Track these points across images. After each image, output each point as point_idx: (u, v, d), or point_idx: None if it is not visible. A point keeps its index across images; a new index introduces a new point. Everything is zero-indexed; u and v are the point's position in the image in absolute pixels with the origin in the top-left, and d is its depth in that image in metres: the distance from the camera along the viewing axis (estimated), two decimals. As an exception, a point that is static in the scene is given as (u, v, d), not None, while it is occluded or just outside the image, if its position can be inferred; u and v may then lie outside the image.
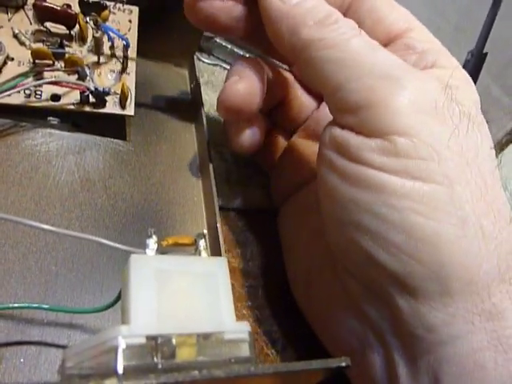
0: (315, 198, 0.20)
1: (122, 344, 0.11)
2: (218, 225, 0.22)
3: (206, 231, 0.14)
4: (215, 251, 0.22)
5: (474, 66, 0.34)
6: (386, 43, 0.21)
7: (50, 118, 0.23)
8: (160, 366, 0.11)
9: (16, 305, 0.16)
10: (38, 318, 0.18)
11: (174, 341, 0.11)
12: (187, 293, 0.12)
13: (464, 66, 0.35)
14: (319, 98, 0.26)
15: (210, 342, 0.12)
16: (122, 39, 0.22)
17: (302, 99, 0.25)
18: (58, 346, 0.17)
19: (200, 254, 0.14)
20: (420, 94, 0.17)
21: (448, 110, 0.17)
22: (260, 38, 0.22)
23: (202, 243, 0.14)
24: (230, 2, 0.20)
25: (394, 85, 0.17)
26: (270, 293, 0.24)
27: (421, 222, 0.16)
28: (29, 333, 0.17)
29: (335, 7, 0.19)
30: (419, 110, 0.17)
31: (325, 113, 0.24)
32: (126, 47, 0.23)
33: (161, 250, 0.14)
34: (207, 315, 0.12)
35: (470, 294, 0.16)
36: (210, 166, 0.25)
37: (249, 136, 0.24)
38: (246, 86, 0.22)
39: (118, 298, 0.15)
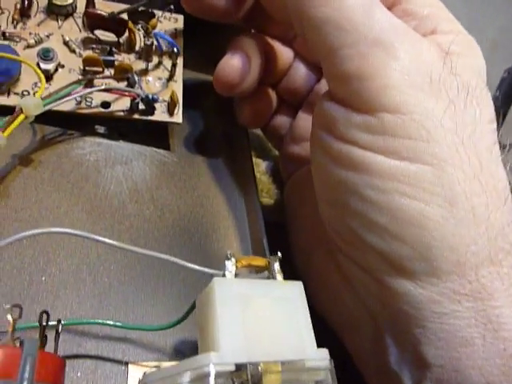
0: None
1: (213, 371, 0.11)
2: (264, 240, 0.22)
3: (280, 254, 0.14)
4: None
5: (510, 83, 0.34)
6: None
7: (97, 127, 0.23)
8: (251, 394, 0.11)
9: (89, 320, 0.16)
10: (94, 332, 0.17)
11: (260, 368, 0.11)
12: (268, 318, 0.12)
13: (500, 84, 0.35)
14: (320, 71, 0.25)
15: (293, 368, 0.12)
16: (174, 46, 0.22)
17: (304, 72, 0.25)
18: (113, 361, 0.17)
19: (275, 278, 0.14)
20: (414, 66, 0.16)
21: (445, 83, 0.16)
22: (258, 18, 0.22)
23: (276, 266, 0.14)
24: None
25: (388, 54, 0.16)
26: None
27: (406, 203, 0.16)
28: (85, 346, 0.17)
29: None
30: (412, 84, 0.16)
31: (325, 86, 0.24)
32: (176, 55, 0.23)
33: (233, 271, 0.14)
34: (289, 341, 0.12)
35: (457, 275, 0.16)
36: (253, 179, 0.25)
37: (254, 111, 0.25)
38: (239, 61, 0.22)
39: (185, 316, 0.15)
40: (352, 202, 0.17)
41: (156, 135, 0.24)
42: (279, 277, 0.14)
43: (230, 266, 0.13)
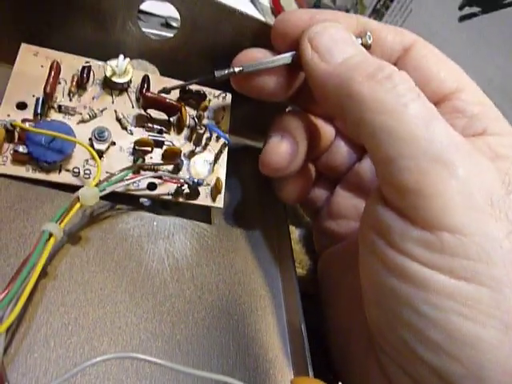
0: (354, 255, 0.20)
1: None
2: (303, 326, 0.22)
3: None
4: (298, 352, 0.22)
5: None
6: (434, 104, 0.19)
7: (143, 200, 0.23)
8: None
9: None
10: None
11: None
12: None
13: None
14: (362, 150, 0.26)
15: None
16: (225, 139, 0.23)
17: (345, 150, 0.25)
18: None
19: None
20: (475, 186, 0.16)
21: (504, 204, 0.16)
22: (303, 98, 0.23)
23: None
24: (274, 72, 0.22)
25: (448, 172, 0.16)
26: None
27: (463, 323, 0.15)
28: None
29: None
30: (472, 205, 0.16)
31: (366, 167, 0.25)
32: (225, 144, 0.23)
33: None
34: None
35: None
36: (290, 254, 0.25)
37: (295, 188, 0.25)
38: (288, 146, 0.22)
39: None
40: (405, 313, 0.17)
41: (197, 208, 0.24)
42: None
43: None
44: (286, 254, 0.25)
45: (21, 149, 0.20)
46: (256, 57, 0.22)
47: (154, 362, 0.14)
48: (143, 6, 0.24)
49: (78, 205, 0.18)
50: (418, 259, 0.16)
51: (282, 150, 0.22)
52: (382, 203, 0.18)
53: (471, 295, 0.15)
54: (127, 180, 0.21)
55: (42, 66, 0.23)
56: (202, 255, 0.23)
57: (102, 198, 0.21)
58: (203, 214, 0.25)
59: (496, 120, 0.20)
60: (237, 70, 0.22)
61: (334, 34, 0.20)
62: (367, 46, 0.21)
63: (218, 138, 0.23)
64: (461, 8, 0.43)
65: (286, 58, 0.21)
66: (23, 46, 0.23)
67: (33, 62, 0.23)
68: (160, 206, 0.24)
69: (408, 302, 0.16)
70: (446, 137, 0.17)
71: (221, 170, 0.24)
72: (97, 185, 0.19)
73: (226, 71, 0.22)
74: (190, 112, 0.24)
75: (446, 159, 0.16)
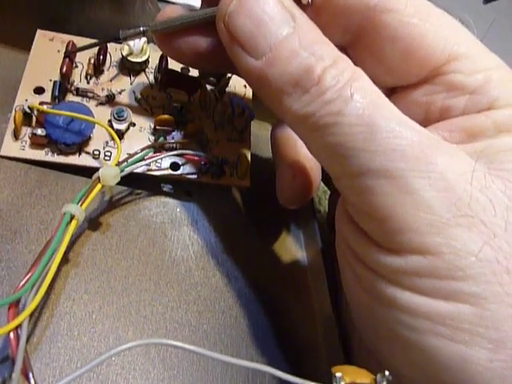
0: None
1: None
2: (333, 314, 0.21)
3: (387, 373, 0.12)
4: (330, 340, 0.21)
5: None
6: (421, 83, 0.16)
7: (164, 185, 0.22)
8: None
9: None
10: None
11: None
12: None
13: None
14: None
15: None
16: (249, 112, 0.22)
17: None
18: None
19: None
20: (432, 197, 0.13)
21: (477, 205, 0.13)
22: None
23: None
24: (193, 39, 0.18)
25: (397, 187, 0.13)
26: None
27: (443, 345, 0.13)
28: None
29: (339, 35, 0.16)
30: (434, 220, 0.13)
31: None
32: (250, 118, 0.22)
33: None
34: None
35: None
36: (316, 239, 0.24)
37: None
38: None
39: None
40: (382, 331, 0.15)
41: (221, 193, 0.23)
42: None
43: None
44: (313, 238, 0.24)
45: (39, 131, 0.20)
46: (175, 13, 0.18)
47: (188, 349, 0.12)
48: (159, -6, 0.23)
49: (98, 186, 0.17)
50: (386, 278, 0.14)
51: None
52: (347, 218, 0.16)
53: (450, 314, 0.13)
54: (148, 159, 0.20)
55: (58, 51, 0.22)
56: (227, 242, 0.22)
57: (122, 182, 0.20)
58: (227, 200, 0.24)
59: (506, 88, 0.16)
60: (142, 29, 0.19)
61: (253, 8, 0.15)
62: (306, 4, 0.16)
63: (241, 115, 0.22)
64: (486, -13, 0.42)
65: (204, 13, 0.17)
66: (39, 32, 0.23)
67: (49, 48, 0.23)
68: (183, 193, 0.23)
69: (383, 320, 0.15)
70: (388, 142, 0.13)
71: (245, 147, 0.22)
72: (117, 165, 0.18)
73: (132, 30, 0.19)
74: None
75: (391, 171, 0.13)
